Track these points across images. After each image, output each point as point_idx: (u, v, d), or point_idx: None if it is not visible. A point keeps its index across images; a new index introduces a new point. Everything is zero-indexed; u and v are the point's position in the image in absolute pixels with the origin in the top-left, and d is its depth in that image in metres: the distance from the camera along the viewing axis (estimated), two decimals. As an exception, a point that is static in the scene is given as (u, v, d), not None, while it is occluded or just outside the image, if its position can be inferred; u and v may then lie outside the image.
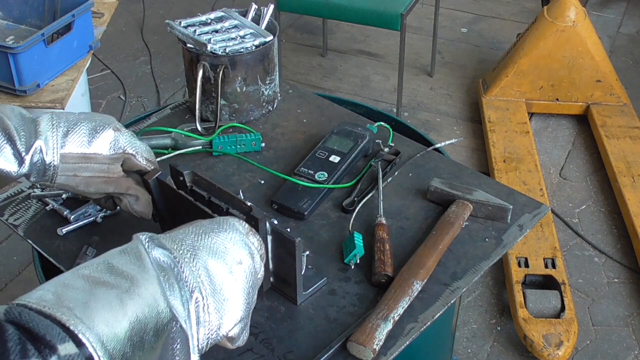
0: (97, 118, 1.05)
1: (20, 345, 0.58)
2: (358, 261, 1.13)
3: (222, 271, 0.77)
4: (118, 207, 1.13)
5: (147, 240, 0.75)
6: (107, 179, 1.06)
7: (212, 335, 0.75)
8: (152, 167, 1.08)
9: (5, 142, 0.96)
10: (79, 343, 0.62)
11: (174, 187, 1.05)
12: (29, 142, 0.98)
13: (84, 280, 0.68)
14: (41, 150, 0.99)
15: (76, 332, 0.62)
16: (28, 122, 1.00)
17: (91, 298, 0.66)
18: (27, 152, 0.98)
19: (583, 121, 3.18)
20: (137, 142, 1.07)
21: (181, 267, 0.73)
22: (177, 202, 1.06)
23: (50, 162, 1.00)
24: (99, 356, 0.62)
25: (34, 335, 0.60)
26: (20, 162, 0.98)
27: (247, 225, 0.86)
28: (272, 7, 1.52)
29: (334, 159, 1.31)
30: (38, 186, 1.29)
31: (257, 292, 0.84)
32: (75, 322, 0.62)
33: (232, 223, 0.84)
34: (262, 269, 0.85)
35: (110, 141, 1.04)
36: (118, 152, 1.05)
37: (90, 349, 0.62)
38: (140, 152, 1.07)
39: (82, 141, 1.02)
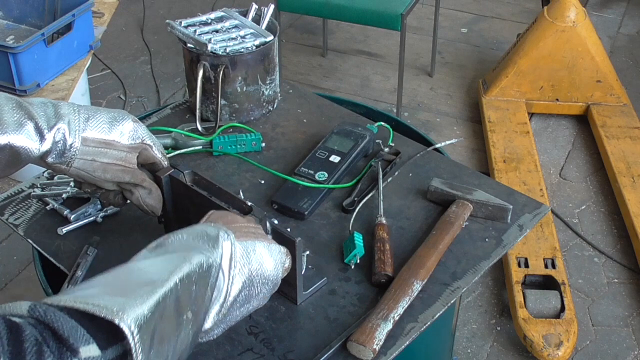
0: (114, 111, 1.07)
1: (36, 346, 0.58)
2: (358, 261, 1.13)
3: (246, 299, 0.87)
4: (127, 201, 1.13)
5: (223, 236, 0.82)
6: (124, 168, 1.06)
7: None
8: (166, 163, 1.10)
9: (26, 119, 0.96)
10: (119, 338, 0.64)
11: (188, 183, 1.06)
12: (50, 122, 0.99)
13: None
14: (64, 131, 1.00)
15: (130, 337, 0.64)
16: (49, 105, 1.01)
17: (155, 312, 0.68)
18: (49, 130, 0.98)
19: (583, 121, 3.18)
20: (154, 136, 1.10)
21: (230, 282, 0.82)
22: (187, 201, 1.06)
23: (72, 143, 1.01)
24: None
25: (57, 335, 0.60)
26: (42, 138, 0.98)
27: (288, 262, 0.95)
28: (272, 7, 1.52)
29: (334, 159, 1.31)
30: (38, 185, 1.29)
31: None
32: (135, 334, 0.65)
33: (282, 258, 0.93)
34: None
35: (129, 130, 1.06)
36: (137, 141, 1.06)
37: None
38: (157, 145, 1.09)
39: (103, 127, 1.03)
